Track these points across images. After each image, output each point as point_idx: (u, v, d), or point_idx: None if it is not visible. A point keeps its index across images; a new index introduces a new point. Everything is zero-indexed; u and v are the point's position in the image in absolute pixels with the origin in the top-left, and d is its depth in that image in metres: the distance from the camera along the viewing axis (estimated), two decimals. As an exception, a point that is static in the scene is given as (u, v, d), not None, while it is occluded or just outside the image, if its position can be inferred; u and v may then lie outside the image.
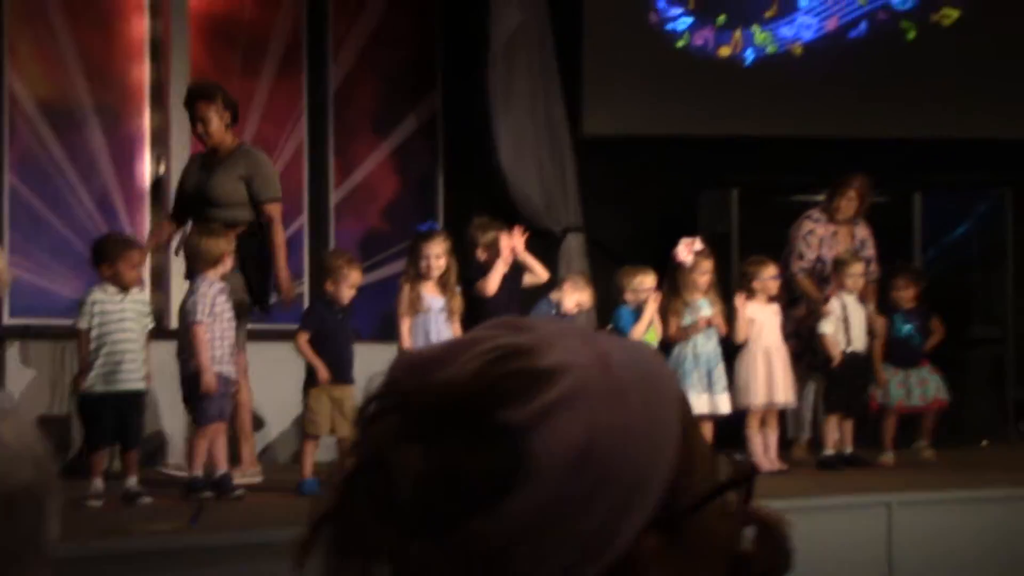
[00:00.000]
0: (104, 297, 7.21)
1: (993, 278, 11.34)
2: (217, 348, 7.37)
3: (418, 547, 1.02)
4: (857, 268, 9.06)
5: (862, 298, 9.15)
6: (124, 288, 7.25)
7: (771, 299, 8.82)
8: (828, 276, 9.31)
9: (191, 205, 8.08)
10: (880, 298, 9.48)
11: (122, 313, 7.22)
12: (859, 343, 9.01)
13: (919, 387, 9.26)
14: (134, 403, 7.26)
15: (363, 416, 1.07)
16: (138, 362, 7.24)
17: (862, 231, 9.67)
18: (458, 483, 1.01)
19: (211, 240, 7.49)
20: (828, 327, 8.94)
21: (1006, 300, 11.24)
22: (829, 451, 8.90)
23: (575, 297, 8.57)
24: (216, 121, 7.91)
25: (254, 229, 7.88)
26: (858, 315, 9.03)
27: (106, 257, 7.27)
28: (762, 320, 8.71)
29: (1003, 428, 11.01)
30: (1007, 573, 7.21)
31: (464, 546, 1.02)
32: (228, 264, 7.52)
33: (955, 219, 11.58)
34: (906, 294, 9.36)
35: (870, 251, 9.61)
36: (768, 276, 8.77)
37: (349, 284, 7.74)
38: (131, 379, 7.20)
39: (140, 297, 7.40)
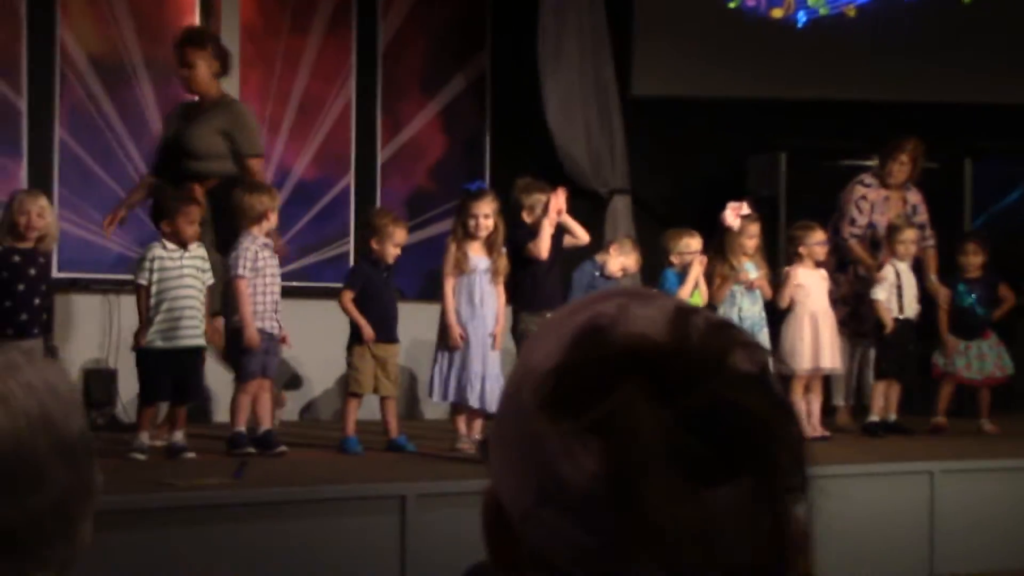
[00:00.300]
0: (164, 254, 7.19)
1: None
2: (259, 304, 7.39)
3: (719, 491, 1.01)
4: (910, 234, 9.00)
5: (918, 265, 9.09)
6: (183, 244, 7.27)
7: (819, 264, 8.78)
8: (879, 241, 9.26)
9: (169, 156, 8.00)
10: (943, 265, 9.38)
11: (181, 270, 7.20)
12: (910, 310, 8.97)
13: (977, 360, 9.21)
14: (194, 359, 7.26)
15: (585, 381, 1.03)
16: (197, 318, 7.22)
17: (914, 196, 9.57)
18: (747, 427, 1.02)
19: (254, 196, 7.49)
20: (881, 293, 8.91)
21: (1056, 268, 11.14)
22: (874, 417, 8.88)
23: (620, 260, 8.55)
24: (203, 68, 7.88)
25: (229, 183, 7.73)
26: (910, 282, 8.98)
27: (165, 213, 7.30)
28: (809, 285, 8.66)
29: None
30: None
31: (774, 480, 1.04)
32: (273, 221, 7.53)
33: (1006, 185, 11.47)
34: (974, 260, 9.28)
35: (923, 216, 9.50)
36: (815, 241, 8.72)
37: (394, 243, 7.73)
38: (191, 335, 7.19)
39: (199, 253, 7.34)
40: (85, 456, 1.63)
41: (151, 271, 7.16)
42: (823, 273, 8.79)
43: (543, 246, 7.83)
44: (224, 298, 7.48)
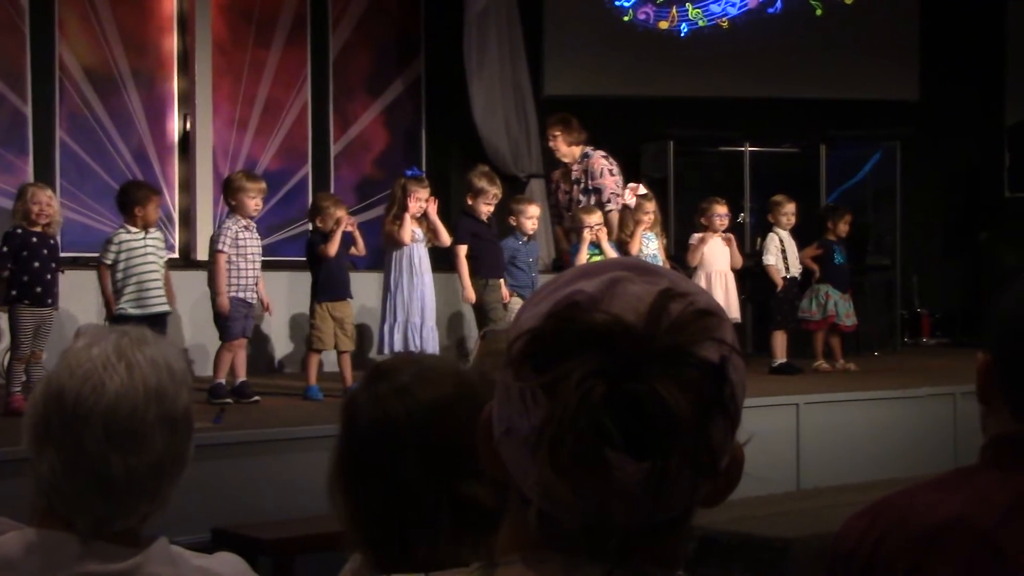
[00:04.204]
0: (128, 236, 7.10)
1: (884, 215, 11.39)
2: (241, 278, 7.32)
3: (622, 467, 0.97)
4: (790, 208, 9.05)
5: (618, 235, 8.58)
6: (146, 227, 7.17)
7: (724, 232, 8.76)
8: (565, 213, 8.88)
9: None
10: (801, 230, 9.34)
11: (144, 248, 7.12)
12: (795, 269, 9.06)
13: (851, 310, 9.28)
14: (160, 322, 7.11)
15: (548, 349, 0.99)
16: (160, 288, 7.15)
17: (590, 162, 8.88)
18: (663, 421, 0.97)
19: (250, 182, 7.41)
20: (771, 258, 8.97)
21: (895, 234, 11.29)
22: (782, 360, 8.93)
23: (527, 216, 8.30)
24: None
25: None
26: (792, 247, 9.05)
27: (136, 201, 7.19)
28: (713, 248, 8.67)
29: (891, 341, 11.10)
30: (891, 458, 7.28)
31: (710, 454, 1.00)
32: (255, 206, 7.42)
33: (854, 167, 11.59)
34: (844, 228, 9.33)
35: (599, 181, 8.79)
36: (715, 214, 8.72)
37: (335, 219, 7.60)
38: (156, 303, 7.13)
39: (157, 235, 7.30)
40: (184, 430, 1.64)
41: (117, 252, 7.06)
42: (728, 237, 8.77)
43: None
44: (210, 271, 7.40)
